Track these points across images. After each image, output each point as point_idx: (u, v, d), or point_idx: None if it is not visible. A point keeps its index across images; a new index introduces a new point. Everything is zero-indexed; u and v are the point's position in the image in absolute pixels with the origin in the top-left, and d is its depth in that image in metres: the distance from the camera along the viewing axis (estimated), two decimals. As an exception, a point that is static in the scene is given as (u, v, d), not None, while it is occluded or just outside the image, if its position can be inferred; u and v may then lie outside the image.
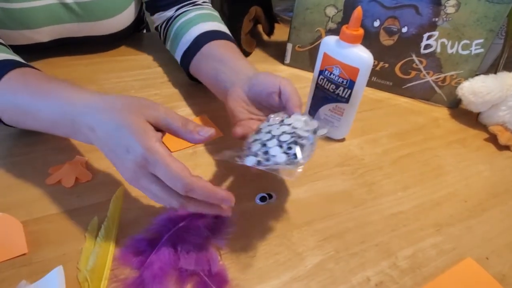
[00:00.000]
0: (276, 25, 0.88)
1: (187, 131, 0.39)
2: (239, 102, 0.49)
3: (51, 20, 0.64)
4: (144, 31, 0.96)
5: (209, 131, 0.39)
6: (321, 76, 0.58)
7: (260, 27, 0.90)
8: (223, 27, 0.65)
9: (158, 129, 0.38)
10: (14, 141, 0.52)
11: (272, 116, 0.45)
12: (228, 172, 0.53)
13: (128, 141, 0.36)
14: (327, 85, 0.58)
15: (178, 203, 0.37)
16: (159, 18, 0.70)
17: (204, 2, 0.70)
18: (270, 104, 0.48)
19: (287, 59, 0.82)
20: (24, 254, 0.39)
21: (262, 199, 0.50)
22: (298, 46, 0.79)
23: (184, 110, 0.64)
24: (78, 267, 0.39)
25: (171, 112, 0.39)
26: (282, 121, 0.44)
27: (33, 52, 0.69)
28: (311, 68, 0.79)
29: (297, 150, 0.38)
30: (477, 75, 0.69)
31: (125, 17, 0.71)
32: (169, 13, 0.68)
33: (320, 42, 0.58)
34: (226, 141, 0.58)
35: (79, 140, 0.42)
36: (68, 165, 0.49)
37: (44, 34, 0.65)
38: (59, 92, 0.42)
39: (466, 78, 0.70)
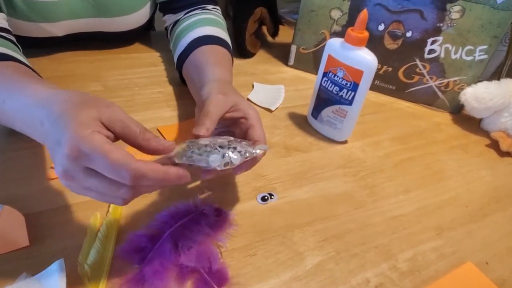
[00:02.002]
0: (280, 26, 0.89)
1: (145, 137, 0.34)
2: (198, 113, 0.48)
3: (70, 14, 0.65)
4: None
5: (167, 143, 0.35)
6: (325, 78, 0.59)
7: (264, 29, 0.91)
8: (219, 32, 0.65)
9: (111, 132, 0.34)
10: (16, 136, 0.52)
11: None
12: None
13: (61, 132, 0.31)
14: (330, 87, 0.58)
15: (126, 196, 0.33)
16: (169, 19, 0.72)
17: (214, 8, 0.71)
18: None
19: (291, 61, 0.82)
20: (25, 247, 0.39)
21: (263, 198, 0.50)
22: (302, 48, 0.79)
23: (187, 109, 0.64)
24: (79, 261, 0.38)
25: (131, 117, 0.35)
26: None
27: (42, 46, 0.69)
28: (314, 70, 0.79)
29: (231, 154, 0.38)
30: (480, 81, 0.69)
31: (140, 16, 0.72)
32: (179, 16, 0.70)
33: (324, 45, 0.59)
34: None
35: (37, 139, 0.37)
36: (71, 160, 0.49)
37: (60, 28, 0.66)
38: (25, 86, 0.39)
39: (469, 84, 0.70)
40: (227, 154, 0.37)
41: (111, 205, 0.44)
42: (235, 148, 0.38)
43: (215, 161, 0.36)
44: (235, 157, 0.38)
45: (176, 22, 0.70)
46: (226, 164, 0.37)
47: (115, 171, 0.30)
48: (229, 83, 0.52)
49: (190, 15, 0.68)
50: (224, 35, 0.65)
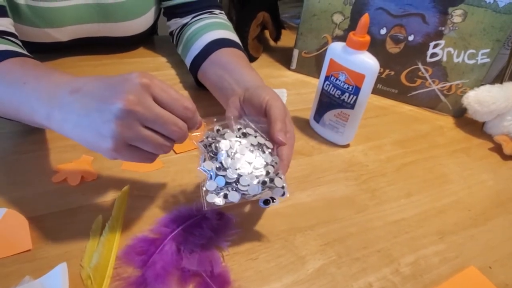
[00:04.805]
0: (283, 31, 0.89)
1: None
2: (235, 112, 0.49)
3: (74, 20, 0.65)
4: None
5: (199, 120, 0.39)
6: (327, 82, 0.59)
7: (267, 33, 0.91)
8: (233, 36, 0.66)
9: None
10: (22, 139, 0.53)
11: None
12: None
13: (122, 81, 0.34)
14: (332, 91, 0.58)
15: (167, 147, 0.36)
16: (175, 23, 0.72)
17: (220, 13, 0.71)
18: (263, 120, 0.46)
19: (293, 65, 0.82)
20: (28, 250, 0.40)
21: (266, 202, 0.50)
22: (305, 52, 0.80)
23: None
24: (82, 265, 0.39)
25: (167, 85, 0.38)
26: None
27: (47, 51, 0.70)
28: (317, 74, 0.80)
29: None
30: (482, 84, 0.69)
31: (145, 21, 0.73)
32: (185, 20, 0.70)
33: (326, 49, 0.59)
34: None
35: (44, 120, 0.37)
36: (74, 164, 0.50)
37: (64, 33, 0.66)
38: (53, 72, 0.41)
39: (471, 88, 0.70)
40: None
41: (113, 210, 0.45)
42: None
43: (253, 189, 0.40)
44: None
45: (183, 26, 0.70)
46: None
47: (175, 101, 0.35)
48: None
49: (198, 19, 0.68)
50: (238, 39, 0.66)
